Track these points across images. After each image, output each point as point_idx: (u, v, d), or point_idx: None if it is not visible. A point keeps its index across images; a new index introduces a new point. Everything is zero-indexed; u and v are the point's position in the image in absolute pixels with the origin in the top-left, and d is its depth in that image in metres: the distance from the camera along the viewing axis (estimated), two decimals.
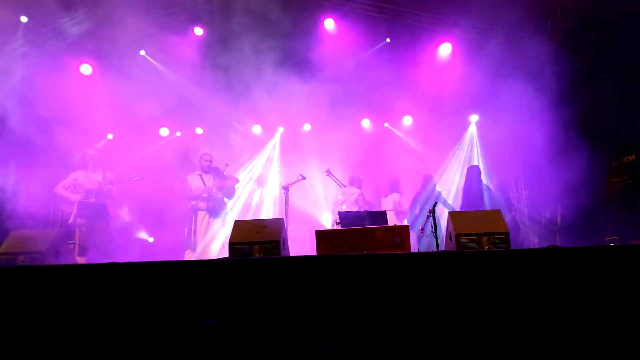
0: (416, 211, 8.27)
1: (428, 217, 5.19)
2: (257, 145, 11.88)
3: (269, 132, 11.86)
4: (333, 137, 10.31)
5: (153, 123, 10.47)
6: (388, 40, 10.27)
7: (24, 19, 8.45)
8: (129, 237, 9.20)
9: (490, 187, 8.58)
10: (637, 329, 3.02)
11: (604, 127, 7.69)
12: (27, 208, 7.97)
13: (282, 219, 4.46)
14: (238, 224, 4.38)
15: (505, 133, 9.37)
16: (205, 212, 7.56)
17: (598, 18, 8.01)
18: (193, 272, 3.50)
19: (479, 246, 3.98)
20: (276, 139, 11.83)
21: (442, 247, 4.75)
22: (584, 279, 3.18)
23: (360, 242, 4.35)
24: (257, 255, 4.05)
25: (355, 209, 8.37)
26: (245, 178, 11.27)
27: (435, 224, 5.08)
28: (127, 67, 9.09)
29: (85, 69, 9.78)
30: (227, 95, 10.16)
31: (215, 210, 7.60)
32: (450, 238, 4.24)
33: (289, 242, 4.95)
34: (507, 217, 8.47)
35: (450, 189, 10.54)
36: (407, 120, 11.65)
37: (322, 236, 4.44)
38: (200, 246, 7.41)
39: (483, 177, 8.41)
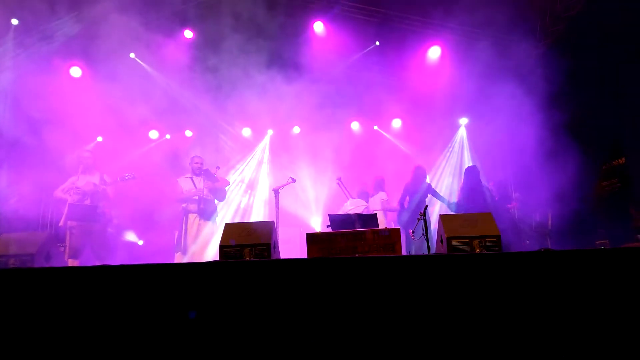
0: (405, 203, 8.23)
1: (419, 220, 5.18)
2: (247, 147, 11.88)
3: (258, 135, 11.86)
4: (322, 139, 10.32)
5: (143, 125, 10.44)
6: (377, 43, 10.30)
7: (14, 21, 8.42)
8: (119, 239, 9.17)
9: (489, 186, 8.57)
10: (630, 332, 3.03)
11: (594, 130, 7.74)
12: (17, 210, 7.91)
13: (273, 221, 4.45)
14: (228, 227, 4.36)
15: (496, 136, 9.42)
16: (196, 215, 7.50)
17: (588, 21, 8.06)
18: (184, 274, 3.47)
19: (470, 249, 3.97)
20: (266, 142, 11.84)
21: (433, 250, 4.74)
22: (577, 282, 3.18)
23: (351, 245, 4.33)
24: (247, 258, 4.03)
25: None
26: (235, 180, 11.26)
27: (426, 227, 5.08)
28: (117, 70, 9.08)
29: (75, 71, 9.76)
30: (217, 97, 10.18)
31: (206, 213, 7.55)
32: (442, 241, 4.23)
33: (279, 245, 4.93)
34: (506, 217, 8.49)
35: (443, 192, 10.58)
36: (396, 123, 11.70)
37: (313, 239, 4.42)
38: (190, 249, 7.36)
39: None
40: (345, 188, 8.92)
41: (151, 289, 3.43)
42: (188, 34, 9.94)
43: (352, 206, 8.50)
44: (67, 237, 6.99)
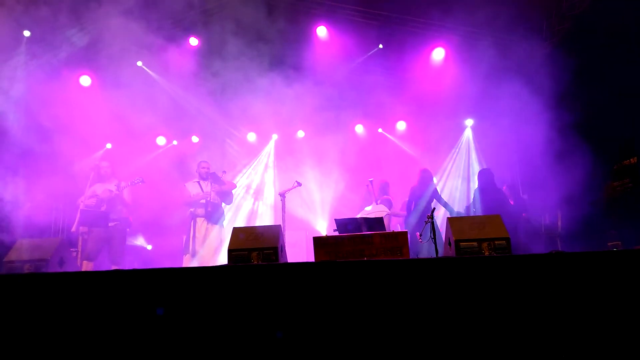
0: (412, 206, 8.16)
1: (426, 222, 5.17)
2: (253, 152, 11.93)
3: (263, 139, 11.91)
4: (327, 143, 10.33)
5: (150, 132, 10.55)
6: (381, 46, 10.29)
7: (27, 33, 8.61)
8: (129, 244, 9.24)
9: (503, 189, 8.51)
10: None
11: (604, 129, 7.63)
12: (31, 217, 8.03)
13: (280, 225, 4.46)
14: (236, 231, 4.38)
15: (502, 137, 9.35)
16: (203, 219, 7.56)
17: (595, 19, 7.98)
18: (195, 278, 3.50)
19: (479, 252, 3.93)
20: (271, 146, 11.87)
21: (441, 253, 4.72)
22: (589, 285, 3.12)
23: (359, 248, 4.32)
24: (255, 262, 4.05)
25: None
26: (242, 184, 11.31)
27: (434, 230, 5.06)
28: (124, 78, 9.20)
29: (85, 80, 9.93)
30: (222, 103, 10.27)
31: (213, 216, 7.61)
32: (450, 244, 4.20)
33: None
34: (522, 220, 8.42)
35: (450, 194, 10.53)
36: (401, 126, 11.66)
37: (320, 242, 4.42)
38: (199, 252, 7.42)
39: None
40: (374, 191, 8.83)
41: (162, 292, 3.46)
42: (193, 41, 10.01)
43: (373, 211, 8.39)
44: (80, 242, 7.12)
